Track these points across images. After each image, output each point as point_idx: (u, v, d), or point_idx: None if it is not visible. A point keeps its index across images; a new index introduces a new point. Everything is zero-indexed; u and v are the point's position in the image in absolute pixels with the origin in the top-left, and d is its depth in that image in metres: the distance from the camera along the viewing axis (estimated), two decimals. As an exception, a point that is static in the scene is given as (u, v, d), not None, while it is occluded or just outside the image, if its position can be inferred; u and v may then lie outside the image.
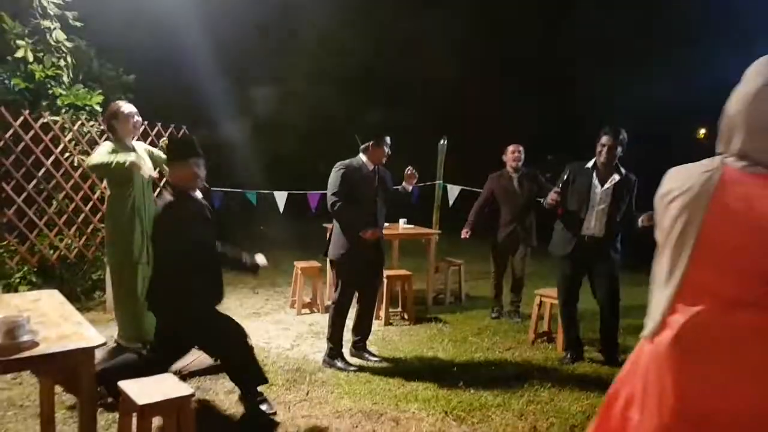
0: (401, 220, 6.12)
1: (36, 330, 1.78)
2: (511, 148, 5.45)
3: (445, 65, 13.42)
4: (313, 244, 7.45)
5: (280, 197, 6.38)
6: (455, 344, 4.70)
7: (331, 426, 3.15)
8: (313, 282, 5.65)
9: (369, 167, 4.09)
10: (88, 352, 1.78)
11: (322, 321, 5.23)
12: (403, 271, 5.43)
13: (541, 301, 4.76)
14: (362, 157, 4.11)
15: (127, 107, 4.01)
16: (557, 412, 3.43)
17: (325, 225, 6.17)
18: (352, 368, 4.01)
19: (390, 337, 4.86)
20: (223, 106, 11.45)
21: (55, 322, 1.97)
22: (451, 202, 6.96)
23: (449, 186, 6.96)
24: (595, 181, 4.10)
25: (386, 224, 6.07)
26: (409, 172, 4.16)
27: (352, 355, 4.28)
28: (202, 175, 3.17)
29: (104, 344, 2.00)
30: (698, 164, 1.36)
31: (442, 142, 6.87)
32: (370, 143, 4.08)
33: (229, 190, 7.15)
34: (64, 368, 1.80)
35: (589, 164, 4.16)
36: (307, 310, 5.58)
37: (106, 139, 4.18)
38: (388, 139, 4.12)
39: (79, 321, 2.00)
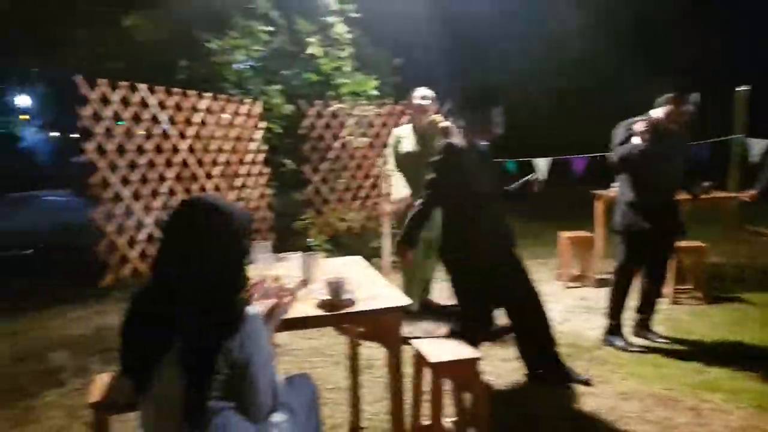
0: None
1: (353, 289, 2.03)
2: None
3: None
4: (578, 213, 7.08)
5: (542, 164, 6.16)
6: (765, 329, 3.95)
7: (618, 407, 2.94)
8: (582, 253, 5.35)
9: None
10: (396, 310, 1.97)
11: (593, 295, 4.94)
12: (695, 243, 4.75)
13: None
14: (659, 110, 3.60)
15: (417, 91, 4.30)
16: None
17: (593, 192, 5.79)
18: (633, 348, 3.68)
19: (678, 317, 4.33)
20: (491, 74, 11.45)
21: (365, 284, 2.22)
22: (755, 159, 5.79)
23: (752, 140, 5.78)
24: None
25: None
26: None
27: (635, 334, 3.92)
28: (497, 125, 3.11)
29: (410, 305, 2.19)
30: None
31: (741, 88, 5.76)
32: (668, 98, 3.55)
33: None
34: (378, 324, 2.02)
35: None
36: (575, 284, 5.32)
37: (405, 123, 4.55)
38: (694, 96, 3.54)
39: (385, 284, 2.21)
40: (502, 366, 3.48)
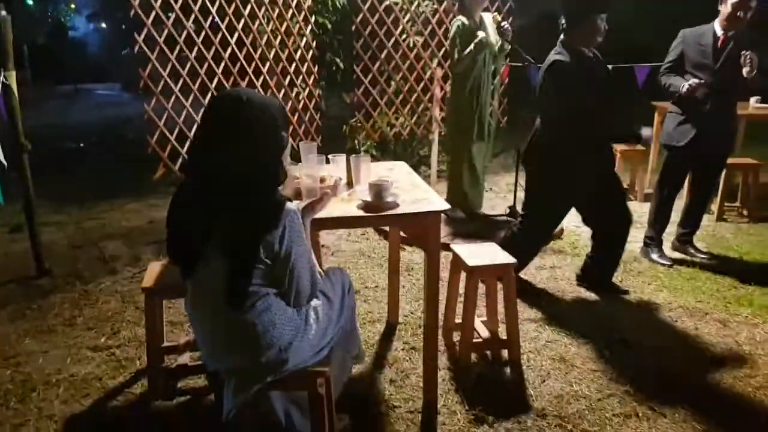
0: (752, 98, 5.07)
1: (396, 193, 2.14)
2: None
3: None
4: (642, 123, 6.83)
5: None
6: (811, 251, 3.92)
7: (647, 318, 3.06)
8: (632, 167, 5.26)
9: (717, 33, 3.46)
10: (437, 214, 2.08)
11: (639, 210, 4.90)
12: (747, 160, 4.61)
13: None
14: (716, 22, 3.49)
15: None
16: None
17: (654, 103, 5.57)
18: (667, 262, 3.72)
19: (722, 234, 4.31)
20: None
21: (408, 188, 2.32)
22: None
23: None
24: None
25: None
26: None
27: (675, 249, 3.96)
28: (602, 32, 3.00)
29: (449, 210, 2.31)
30: None
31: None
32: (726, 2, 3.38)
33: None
34: (418, 227, 2.15)
35: None
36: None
37: (458, 14, 4.32)
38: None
39: (426, 189, 2.31)
40: (537, 274, 3.62)
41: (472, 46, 3.96)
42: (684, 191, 3.91)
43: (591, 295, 3.32)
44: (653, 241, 3.85)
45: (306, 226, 1.79)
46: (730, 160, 4.50)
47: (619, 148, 5.20)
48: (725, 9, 3.40)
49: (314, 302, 1.78)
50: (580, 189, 3.12)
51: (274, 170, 1.60)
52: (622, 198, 3.26)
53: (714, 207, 4.63)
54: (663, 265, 3.71)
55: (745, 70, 3.33)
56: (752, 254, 3.89)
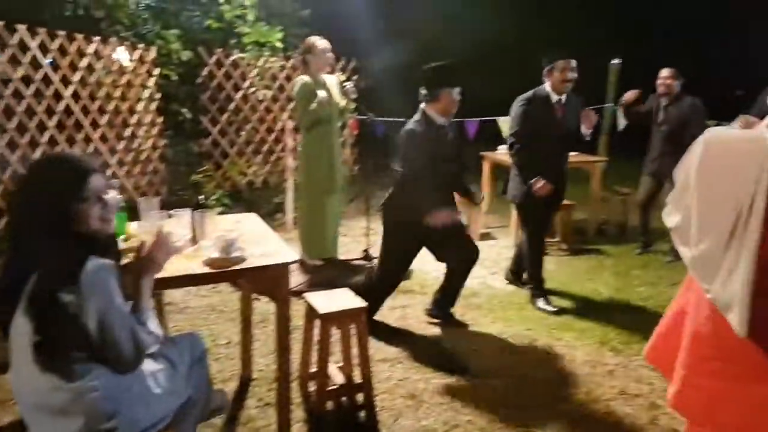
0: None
1: (243, 247, 2.16)
2: (663, 72, 4.79)
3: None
4: (472, 171, 7.52)
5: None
6: (617, 277, 4.57)
7: (484, 347, 3.34)
8: (468, 210, 5.75)
9: (553, 98, 3.75)
10: (284, 267, 2.13)
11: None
12: (563, 201, 5.30)
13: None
14: (546, 85, 3.78)
15: (321, 43, 4.22)
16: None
17: (482, 153, 6.19)
18: (553, 309, 3.84)
19: (546, 267, 4.84)
20: (381, 35, 11.52)
21: (256, 241, 2.35)
22: (620, 127, 6.47)
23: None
24: None
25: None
26: (585, 112, 3.76)
27: (507, 279, 4.42)
28: (456, 103, 3.34)
29: (299, 261, 2.37)
30: (744, 136, 1.42)
31: (614, 61, 6.33)
32: (549, 67, 3.71)
33: (391, 119, 7.40)
34: (266, 280, 2.17)
35: None
36: (464, 237, 5.75)
37: (301, 74, 4.46)
38: (573, 63, 3.69)
39: (276, 240, 2.36)
40: (389, 314, 3.79)
41: (315, 104, 4.14)
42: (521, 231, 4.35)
43: (437, 331, 3.55)
44: (538, 290, 3.99)
45: (143, 285, 1.73)
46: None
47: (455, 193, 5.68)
48: (558, 75, 3.66)
49: (153, 366, 1.71)
50: (425, 235, 3.39)
51: (64, 225, 1.54)
52: (463, 240, 3.60)
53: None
54: (549, 312, 3.82)
55: (583, 128, 3.76)
56: (571, 284, 4.44)
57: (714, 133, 1.44)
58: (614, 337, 3.44)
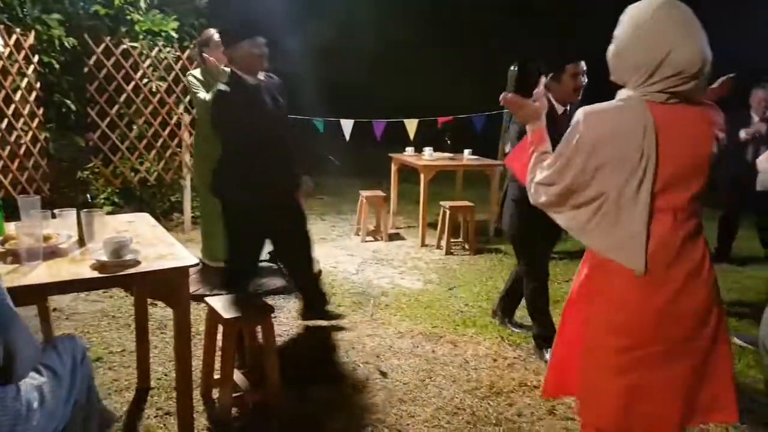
0: (466, 151, 6.08)
1: (137, 249, 1.99)
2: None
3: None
4: (378, 172, 7.59)
5: (347, 125, 6.45)
6: (515, 275, 4.79)
7: (393, 344, 3.37)
8: (377, 211, 5.81)
9: (558, 110, 3.05)
10: (184, 270, 1.98)
11: (385, 248, 5.44)
12: (465, 203, 5.49)
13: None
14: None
15: (218, 36, 4.04)
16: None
17: (391, 155, 6.25)
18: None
19: (450, 266, 5.01)
20: (290, 32, 11.34)
21: (151, 242, 2.19)
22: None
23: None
24: None
25: (451, 155, 6.07)
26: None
27: (496, 317, 3.76)
28: (263, 58, 2.91)
29: (198, 264, 2.22)
30: (620, 107, 1.51)
31: (512, 68, 6.64)
32: (554, 74, 2.99)
33: (296, 116, 7.26)
34: (162, 285, 2.02)
35: None
36: (370, 238, 5.78)
37: (195, 67, 4.21)
38: (583, 65, 3.01)
39: (172, 242, 2.20)
40: (290, 315, 3.71)
41: (202, 96, 3.91)
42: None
43: (342, 332, 3.52)
44: (544, 340, 3.22)
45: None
46: (452, 203, 5.35)
47: (364, 194, 5.71)
48: (568, 83, 2.98)
49: (36, 380, 1.53)
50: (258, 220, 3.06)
51: None
52: (300, 234, 3.33)
53: (443, 243, 5.37)
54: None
55: None
56: (474, 281, 4.59)
57: (587, 108, 1.54)
58: (514, 332, 3.59)
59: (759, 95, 4.82)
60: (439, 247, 5.45)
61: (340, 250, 5.36)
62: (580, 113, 1.54)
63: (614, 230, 1.53)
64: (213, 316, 2.61)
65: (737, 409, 1.61)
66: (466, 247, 5.46)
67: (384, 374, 3.01)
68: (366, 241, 5.69)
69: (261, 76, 3.05)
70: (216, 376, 2.65)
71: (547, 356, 3.16)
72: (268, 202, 3.01)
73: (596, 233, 1.56)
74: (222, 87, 2.91)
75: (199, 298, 3.16)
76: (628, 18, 1.53)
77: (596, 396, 1.62)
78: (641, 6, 1.51)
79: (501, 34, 12.40)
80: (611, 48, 1.58)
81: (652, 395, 1.55)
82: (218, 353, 2.62)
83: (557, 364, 1.77)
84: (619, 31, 1.55)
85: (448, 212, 5.32)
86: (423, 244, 5.56)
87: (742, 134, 4.70)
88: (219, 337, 2.59)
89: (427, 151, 5.96)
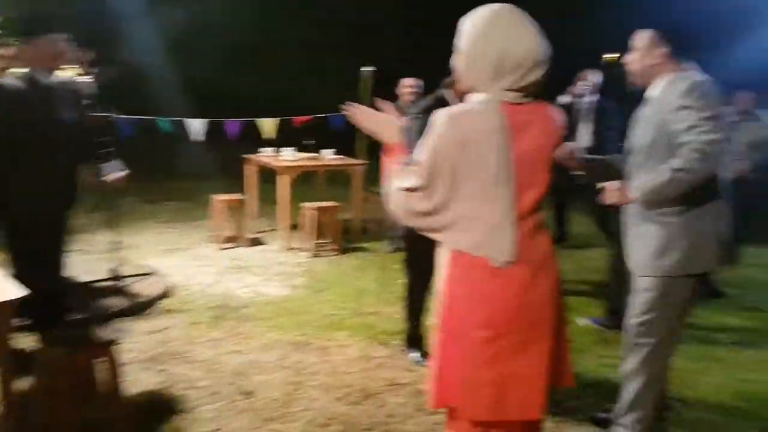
0: (326, 151, 5.99)
1: None
2: (407, 81, 5.09)
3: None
4: (232, 174, 7.21)
5: (193, 125, 6.02)
6: (382, 272, 4.78)
7: (258, 359, 3.16)
8: (235, 215, 5.49)
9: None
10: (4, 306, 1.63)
11: (246, 255, 5.16)
12: (329, 203, 5.39)
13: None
14: (445, 91, 2.98)
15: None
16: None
17: (247, 156, 5.97)
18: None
19: (317, 268, 4.87)
20: (132, 27, 10.46)
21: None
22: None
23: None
24: None
25: (313, 155, 5.95)
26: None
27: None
28: (61, 54, 2.79)
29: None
30: (476, 109, 1.54)
31: (365, 68, 6.68)
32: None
33: (139, 117, 6.63)
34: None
35: None
36: (229, 245, 5.45)
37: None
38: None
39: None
40: (149, 339, 3.34)
41: None
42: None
43: (211, 353, 3.23)
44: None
45: None
46: (317, 204, 5.23)
47: (219, 198, 5.38)
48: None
49: None
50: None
51: None
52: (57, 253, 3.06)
53: (308, 246, 5.21)
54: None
55: None
56: (341, 283, 4.51)
57: (445, 110, 1.57)
58: (382, 330, 3.57)
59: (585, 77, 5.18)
60: (304, 249, 5.29)
61: (193, 261, 4.98)
62: (437, 115, 1.56)
63: (479, 228, 1.56)
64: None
65: (573, 375, 1.76)
66: (333, 247, 5.36)
67: (249, 393, 2.80)
68: (224, 249, 5.35)
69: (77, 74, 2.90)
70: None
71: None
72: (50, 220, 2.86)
73: (461, 232, 1.58)
74: (5, 80, 2.73)
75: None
76: (466, 27, 1.60)
77: (470, 389, 1.63)
78: (477, 14, 1.59)
79: (361, 34, 12.57)
80: (456, 57, 1.64)
81: (520, 381, 1.62)
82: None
83: (439, 373, 1.74)
84: (460, 39, 1.61)
85: (312, 213, 5.18)
86: (288, 248, 5.37)
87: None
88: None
89: (288, 151, 5.77)
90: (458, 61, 1.63)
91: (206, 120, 6.07)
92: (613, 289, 3.56)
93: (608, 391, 2.71)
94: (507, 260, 1.56)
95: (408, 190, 1.60)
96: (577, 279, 4.61)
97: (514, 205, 1.56)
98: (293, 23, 12.61)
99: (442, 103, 3.19)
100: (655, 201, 2.13)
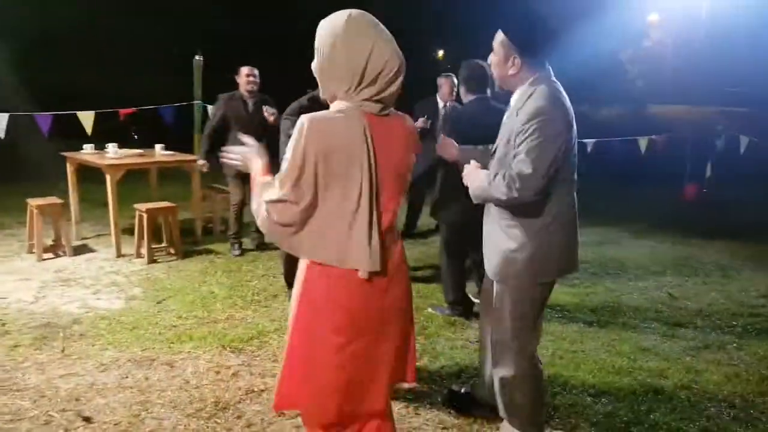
0: (158, 146, 5.57)
1: None
2: (245, 69, 4.96)
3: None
4: (49, 175, 6.41)
5: (-3, 119, 5.21)
6: (229, 275, 4.62)
7: (96, 381, 2.89)
8: (54, 221, 4.90)
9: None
10: None
11: (71, 265, 4.64)
12: (165, 203, 5.04)
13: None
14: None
15: None
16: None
17: (65, 154, 5.36)
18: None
19: (156, 276, 4.55)
20: None
21: None
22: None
23: (209, 106, 6.44)
24: None
25: (141, 151, 5.51)
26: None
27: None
28: None
29: None
30: (341, 118, 1.54)
31: (196, 57, 6.35)
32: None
33: None
34: None
35: None
36: (50, 255, 4.85)
37: None
38: None
39: None
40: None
41: None
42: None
43: (39, 378, 2.86)
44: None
45: None
46: (148, 205, 4.86)
47: (35, 203, 4.77)
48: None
49: None
50: None
51: None
52: None
53: (143, 251, 4.83)
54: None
55: None
56: (185, 289, 4.24)
57: (309, 117, 1.54)
58: (234, 337, 3.46)
59: (441, 82, 5.31)
60: (139, 255, 4.88)
61: (8, 275, 4.36)
62: (302, 120, 1.52)
63: (343, 240, 1.57)
64: None
65: (415, 372, 1.89)
66: (172, 251, 5.02)
67: (88, 419, 2.55)
68: (45, 260, 4.75)
69: None
70: None
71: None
72: None
73: (325, 245, 1.58)
74: None
75: None
76: (324, 32, 1.57)
77: (319, 393, 1.68)
78: (334, 19, 1.56)
79: (189, 23, 11.80)
80: (315, 63, 1.61)
81: (367, 380, 1.70)
82: None
83: (288, 374, 1.74)
84: (318, 44, 1.58)
85: (145, 215, 4.78)
86: (119, 255, 4.93)
87: (420, 123, 5.24)
88: None
89: (111, 148, 5.26)
90: (318, 67, 1.60)
91: (7, 114, 5.30)
92: (444, 280, 3.88)
93: (460, 370, 2.94)
94: (370, 270, 1.60)
95: (272, 202, 1.57)
96: (425, 265, 4.81)
97: (378, 217, 1.59)
98: (111, 12, 11.48)
99: (317, 102, 3.39)
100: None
